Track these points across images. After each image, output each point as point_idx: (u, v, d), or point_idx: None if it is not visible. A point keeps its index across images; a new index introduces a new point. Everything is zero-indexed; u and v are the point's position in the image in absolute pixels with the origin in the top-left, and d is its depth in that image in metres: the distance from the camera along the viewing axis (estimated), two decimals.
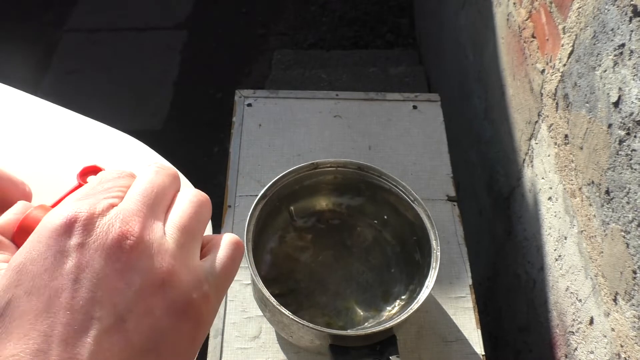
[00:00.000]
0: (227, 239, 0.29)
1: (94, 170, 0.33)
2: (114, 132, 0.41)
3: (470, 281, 0.80)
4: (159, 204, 0.28)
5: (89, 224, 0.25)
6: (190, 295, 0.26)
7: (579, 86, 0.65)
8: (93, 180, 0.29)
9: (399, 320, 0.65)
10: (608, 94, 0.57)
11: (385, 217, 0.79)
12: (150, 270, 0.25)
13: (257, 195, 0.73)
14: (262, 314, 0.72)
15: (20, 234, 0.28)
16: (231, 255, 0.29)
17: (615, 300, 0.58)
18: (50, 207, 0.30)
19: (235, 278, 0.81)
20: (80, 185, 0.32)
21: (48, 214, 0.26)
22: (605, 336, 0.61)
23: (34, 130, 0.40)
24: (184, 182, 0.38)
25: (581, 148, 0.65)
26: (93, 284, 0.24)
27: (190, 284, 0.26)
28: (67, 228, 0.25)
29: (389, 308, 0.74)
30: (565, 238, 0.71)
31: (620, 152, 0.55)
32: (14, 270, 0.24)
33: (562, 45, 0.70)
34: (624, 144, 0.54)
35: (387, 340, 0.67)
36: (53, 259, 0.24)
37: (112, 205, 0.26)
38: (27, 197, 0.32)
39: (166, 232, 0.27)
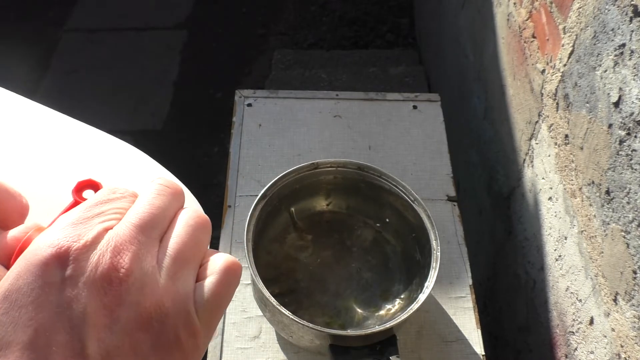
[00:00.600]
0: (221, 264, 0.28)
1: (89, 184, 0.32)
2: (111, 139, 0.40)
3: (470, 281, 0.80)
4: (155, 228, 0.27)
5: (79, 255, 0.24)
6: (178, 330, 0.25)
7: (580, 86, 0.65)
8: (90, 200, 0.28)
9: (399, 320, 0.65)
10: (608, 94, 0.57)
11: (386, 217, 0.79)
12: (139, 304, 0.24)
13: (257, 195, 0.73)
14: (262, 314, 0.72)
15: (17, 256, 0.27)
16: (225, 282, 0.28)
17: (615, 300, 0.57)
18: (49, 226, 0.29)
19: None
20: (76, 203, 0.31)
21: (37, 238, 0.25)
22: (605, 336, 0.61)
23: (29, 137, 0.39)
24: (187, 196, 0.38)
25: (581, 148, 0.65)
26: (80, 320, 0.23)
27: (179, 318, 0.25)
28: (56, 259, 0.24)
29: (389, 308, 0.74)
30: (566, 238, 0.71)
31: (620, 152, 0.55)
32: (1, 297, 0.23)
33: (563, 45, 0.70)
34: (625, 144, 0.54)
35: (387, 340, 0.67)
36: (40, 290, 0.23)
37: (107, 230, 0.26)
38: (24, 209, 0.31)
39: (159, 261, 0.26)
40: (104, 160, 0.37)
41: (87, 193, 0.31)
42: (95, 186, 0.32)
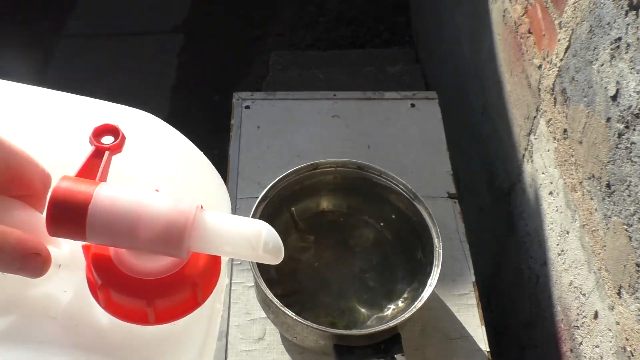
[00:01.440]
0: None
1: (107, 129, 0.32)
2: (123, 108, 0.40)
3: (473, 278, 0.80)
4: None
5: None
6: None
7: (577, 81, 0.65)
8: None
9: (403, 319, 0.65)
10: (606, 87, 0.57)
11: (386, 216, 0.79)
12: None
13: (257, 198, 0.73)
14: (265, 315, 0.72)
15: (52, 208, 0.28)
16: None
17: (619, 293, 0.58)
18: (75, 176, 0.29)
19: (239, 280, 0.82)
20: (96, 149, 0.31)
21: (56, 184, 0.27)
22: (610, 330, 0.61)
23: (41, 118, 0.39)
24: (218, 186, 0.39)
25: (580, 142, 0.65)
26: None
27: None
28: None
29: (392, 307, 0.74)
30: (568, 232, 0.71)
31: (619, 146, 0.55)
32: None
33: (559, 40, 0.70)
34: (623, 137, 0.54)
35: (391, 338, 0.67)
36: None
37: None
38: (47, 179, 0.32)
39: None
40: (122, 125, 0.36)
41: (106, 139, 0.31)
42: (114, 131, 0.32)
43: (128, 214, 0.28)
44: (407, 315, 0.66)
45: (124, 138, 0.32)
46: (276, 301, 0.65)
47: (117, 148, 0.32)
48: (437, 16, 1.51)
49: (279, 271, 0.77)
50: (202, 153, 0.40)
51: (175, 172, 0.39)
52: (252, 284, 0.76)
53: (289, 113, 0.97)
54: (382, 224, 0.80)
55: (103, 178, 0.30)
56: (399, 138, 0.95)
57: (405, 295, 0.75)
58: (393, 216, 0.79)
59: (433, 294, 0.68)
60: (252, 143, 0.93)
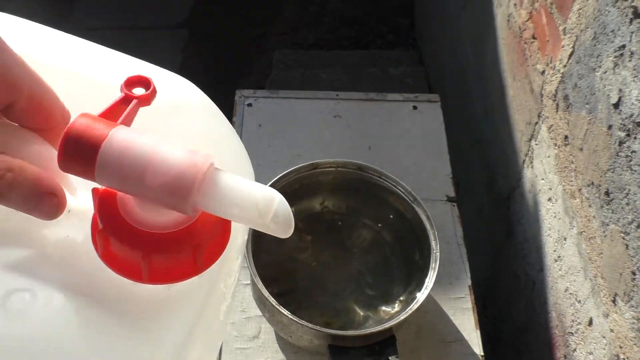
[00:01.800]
0: None
1: (139, 80, 0.31)
2: (158, 69, 0.39)
3: (469, 282, 0.80)
4: None
5: None
6: None
7: (579, 87, 0.65)
8: None
9: (398, 321, 0.66)
10: (608, 95, 0.57)
11: (385, 217, 0.79)
12: None
13: None
14: (261, 314, 0.72)
15: (66, 142, 0.27)
16: None
17: (614, 301, 0.58)
18: (98, 116, 0.29)
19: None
20: (126, 96, 0.30)
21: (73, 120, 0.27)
22: (604, 337, 0.61)
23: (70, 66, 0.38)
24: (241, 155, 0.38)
25: (581, 149, 0.65)
26: None
27: None
28: None
29: (388, 308, 0.74)
30: (565, 239, 0.71)
31: (620, 154, 0.55)
32: None
33: (563, 47, 0.70)
34: (624, 145, 0.54)
35: (386, 340, 0.67)
36: None
37: None
38: (66, 113, 0.31)
39: None
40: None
41: (138, 90, 0.31)
42: (145, 82, 0.31)
43: (139, 158, 0.27)
44: (402, 317, 0.66)
45: (154, 91, 0.31)
46: (272, 300, 0.65)
47: (146, 99, 0.31)
48: (441, 19, 1.51)
49: (276, 270, 0.77)
50: (233, 128, 0.39)
51: (203, 139, 0.37)
52: (249, 282, 0.76)
53: (291, 112, 0.97)
54: (380, 225, 0.80)
55: (125, 124, 0.30)
56: (400, 140, 0.95)
57: (401, 298, 0.75)
58: (392, 218, 0.79)
59: (429, 296, 0.68)
60: (253, 141, 0.94)
